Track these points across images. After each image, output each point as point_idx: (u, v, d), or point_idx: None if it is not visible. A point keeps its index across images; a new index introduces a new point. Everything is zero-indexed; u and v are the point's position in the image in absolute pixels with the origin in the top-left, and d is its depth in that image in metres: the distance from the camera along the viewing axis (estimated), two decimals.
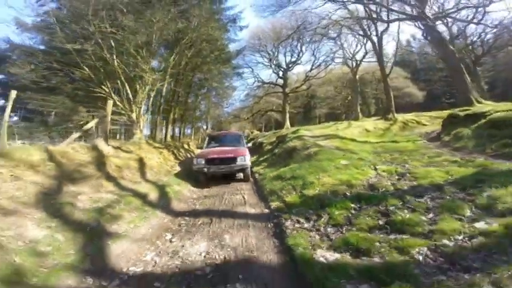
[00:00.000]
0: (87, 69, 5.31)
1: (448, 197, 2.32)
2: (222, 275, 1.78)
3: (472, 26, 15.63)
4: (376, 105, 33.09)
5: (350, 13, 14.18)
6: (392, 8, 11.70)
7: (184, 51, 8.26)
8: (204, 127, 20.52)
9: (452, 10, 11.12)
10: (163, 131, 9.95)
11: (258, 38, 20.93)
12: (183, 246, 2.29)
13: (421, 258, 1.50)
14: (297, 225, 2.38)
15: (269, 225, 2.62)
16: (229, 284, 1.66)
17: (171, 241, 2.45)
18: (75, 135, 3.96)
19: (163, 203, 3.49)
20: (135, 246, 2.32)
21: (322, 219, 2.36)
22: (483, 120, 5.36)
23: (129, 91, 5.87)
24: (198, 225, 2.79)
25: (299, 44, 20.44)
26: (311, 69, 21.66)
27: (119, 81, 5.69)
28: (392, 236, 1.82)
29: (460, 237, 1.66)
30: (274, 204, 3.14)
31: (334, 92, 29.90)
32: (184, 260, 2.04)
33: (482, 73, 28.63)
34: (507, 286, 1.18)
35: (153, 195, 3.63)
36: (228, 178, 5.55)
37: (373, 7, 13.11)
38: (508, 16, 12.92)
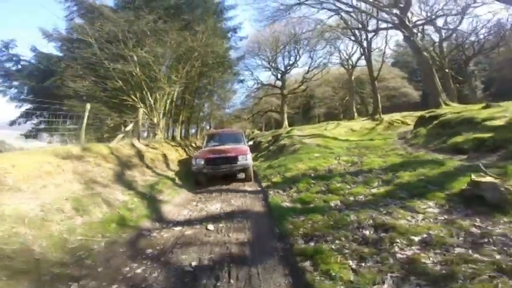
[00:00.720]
0: (120, 81, 6.71)
1: (371, 176, 3.68)
2: (230, 217, 3.17)
3: (463, 27, 16.80)
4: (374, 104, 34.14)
5: (343, 20, 15.45)
6: (377, 17, 12.95)
7: (193, 63, 9.64)
8: (208, 127, 21.90)
9: (431, 18, 12.36)
10: (175, 132, 11.37)
11: (257, 42, 22.20)
12: (205, 206, 3.70)
13: (333, 204, 2.87)
14: (276, 193, 3.77)
15: (259, 196, 4.02)
16: (234, 219, 3.05)
17: (197, 205, 3.85)
18: (120, 136, 5.38)
19: (186, 185, 4.91)
20: (175, 208, 3.73)
21: (292, 189, 3.74)
22: (435, 122, 6.69)
23: (151, 99, 7.29)
24: (213, 197, 4.20)
25: (296, 48, 21.69)
26: (308, 71, 22.87)
27: (144, 92, 7.10)
28: (325, 196, 3.19)
29: (360, 196, 3.01)
30: (265, 184, 4.53)
31: (332, 92, 30.94)
32: (208, 212, 3.44)
33: (478, 72, 29.56)
34: (377, 217, 2.50)
35: (178, 180, 5.05)
36: (228, 177, 5.47)
37: (362, 15, 14.37)
38: (493, 19, 14.09)
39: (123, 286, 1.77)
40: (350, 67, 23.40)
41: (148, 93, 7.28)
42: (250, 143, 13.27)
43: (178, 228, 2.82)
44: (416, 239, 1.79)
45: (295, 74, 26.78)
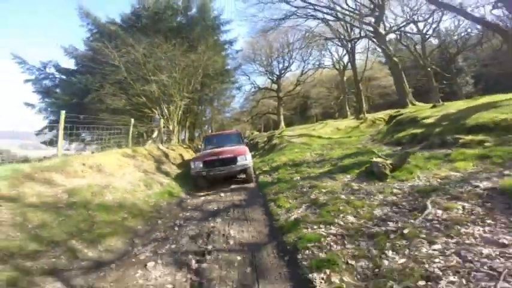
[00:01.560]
0: (144, 97, 8.60)
1: (326, 162, 5.48)
2: (233, 190, 4.97)
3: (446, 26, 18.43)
4: (367, 103, 35.77)
5: (329, 27, 17.24)
6: (356, 26, 14.72)
7: (197, 77, 11.51)
8: (210, 130, 23.78)
9: (402, 25, 14.13)
10: (183, 136, 13.25)
11: (253, 49, 24.04)
12: (216, 185, 5.53)
13: (294, 179, 4.68)
14: (264, 176, 5.60)
15: (253, 178, 5.84)
16: (236, 191, 4.85)
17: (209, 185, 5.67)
18: (149, 141, 7.22)
19: None
20: (197, 187, 5.55)
21: (275, 173, 5.56)
22: (394, 121, 8.45)
23: (166, 111, 9.14)
24: (221, 182, 6.01)
25: (289, 52, 23.50)
26: (302, 74, 24.66)
27: (161, 105, 8.98)
28: (292, 175, 5.00)
29: (312, 174, 4.81)
30: (258, 172, 6.35)
31: (326, 92, 32.62)
32: (218, 188, 5.26)
33: (468, 67, 31.06)
34: (313, 182, 4.31)
35: None
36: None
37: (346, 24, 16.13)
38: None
39: (181, 219, 3.59)
40: (342, 68, 25.04)
41: (164, 106, 9.15)
42: (250, 143, 14.95)
43: (202, 197, 4.66)
44: (324, 190, 3.60)
45: (291, 75, 28.58)
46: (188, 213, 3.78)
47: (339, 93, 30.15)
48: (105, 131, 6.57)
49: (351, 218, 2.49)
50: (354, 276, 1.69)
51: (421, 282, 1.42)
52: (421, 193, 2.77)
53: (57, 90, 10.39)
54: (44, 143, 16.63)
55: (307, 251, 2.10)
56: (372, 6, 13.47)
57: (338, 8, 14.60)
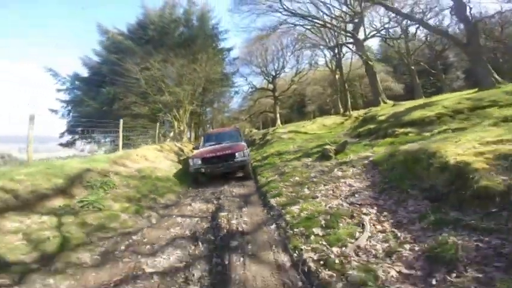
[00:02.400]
0: (160, 104, 10.79)
1: (301, 151, 7.65)
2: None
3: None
4: (362, 99, 37.69)
5: (316, 34, 19.27)
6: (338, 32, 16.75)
7: (200, 84, 13.66)
8: (211, 129, 25.97)
9: (380, 29, 16.15)
10: (188, 135, 15.46)
11: (249, 51, 26.02)
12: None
13: (275, 162, 6.87)
14: (256, 162, 7.80)
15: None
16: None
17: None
18: (168, 140, 9.39)
19: None
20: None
21: (264, 160, 7.76)
22: (362, 118, 10.59)
23: (177, 115, 11.30)
24: None
25: (283, 54, 25.51)
26: (296, 74, 26.70)
27: (173, 110, 11.15)
28: (275, 160, 7.19)
29: (289, 159, 6.99)
30: (252, 160, 8.54)
31: (321, 90, 34.61)
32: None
33: (458, 63, 32.75)
34: (286, 163, 6.49)
35: None
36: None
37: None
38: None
39: (202, 187, 5.78)
40: (333, 68, 27.01)
41: (175, 110, 11.34)
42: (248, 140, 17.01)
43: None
44: (290, 167, 5.79)
45: (286, 75, 30.56)
46: (205, 184, 5.99)
47: (332, 91, 32.17)
48: (130, 133, 8.76)
49: (297, 178, 4.68)
50: (288, 198, 3.86)
51: (311, 199, 3.59)
52: (341, 164, 4.93)
53: (85, 98, 12.54)
54: (61, 144, 18.95)
55: (270, 192, 4.28)
56: (352, 13, 15.45)
57: (323, 15, 16.61)
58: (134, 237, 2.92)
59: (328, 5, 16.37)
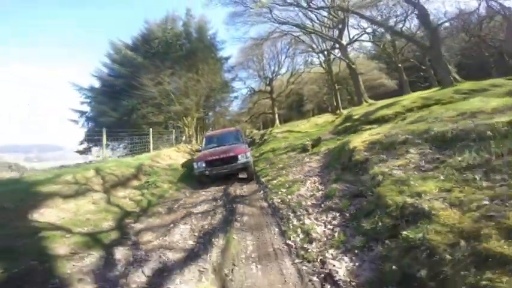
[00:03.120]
0: (172, 113, 12.97)
1: (290, 146, 9.76)
2: None
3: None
4: (358, 97, 39.17)
5: (304, 41, 21.30)
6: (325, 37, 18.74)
7: (204, 93, 15.85)
8: (212, 130, 28.21)
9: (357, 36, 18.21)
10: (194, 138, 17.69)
11: (246, 57, 28.08)
12: None
13: (269, 157, 9.00)
14: (254, 157, 9.94)
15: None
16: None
17: None
18: (181, 143, 11.56)
19: None
20: None
21: (261, 156, 9.90)
22: (344, 117, 12.63)
23: (186, 121, 13.47)
24: None
25: (279, 58, 27.52)
26: (291, 75, 28.68)
27: (183, 117, 13.34)
28: (269, 155, 9.32)
29: (279, 153, 9.11)
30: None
31: (318, 89, 36.50)
32: None
33: (450, 57, 34.05)
34: (277, 157, 8.60)
35: None
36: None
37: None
38: None
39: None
40: (327, 68, 28.92)
41: (184, 118, 13.55)
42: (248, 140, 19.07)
43: None
44: (278, 158, 7.91)
45: (284, 75, 32.54)
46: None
47: (327, 90, 34.03)
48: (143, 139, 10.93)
49: (280, 165, 6.80)
50: (272, 177, 5.97)
51: (285, 176, 5.70)
52: (312, 154, 7.02)
53: (107, 109, 14.77)
54: (78, 151, 21.26)
55: (262, 175, 6.40)
56: (335, 20, 17.42)
57: (311, 23, 18.61)
58: (180, 202, 5.08)
59: (315, 13, 18.37)
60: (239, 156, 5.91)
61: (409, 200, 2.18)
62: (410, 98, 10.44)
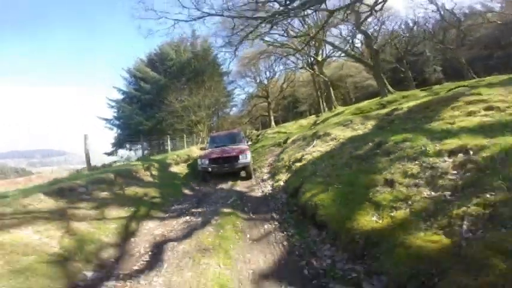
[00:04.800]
0: (190, 122, 18.30)
1: (275, 143, 15.04)
2: None
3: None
4: (348, 97, 43.72)
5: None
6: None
7: (213, 106, 21.23)
8: (216, 131, 33.66)
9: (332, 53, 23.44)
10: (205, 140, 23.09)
11: (244, 65, 33.27)
12: None
13: (259, 150, 14.30)
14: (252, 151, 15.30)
15: None
16: None
17: None
18: (198, 144, 16.82)
19: None
20: None
21: (255, 150, 15.23)
22: (316, 119, 17.77)
23: (200, 127, 18.75)
24: None
25: (272, 66, 32.64)
26: (284, 81, 33.75)
27: (197, 124, 18.67)
28: (260, 149, 14.63)
29: (266, 148, 14.41)
30: None
31: (310, 91, 41.42)
32: None
33: (434, 57, 37.91)
34: (268, 149, 13.86)
35: None
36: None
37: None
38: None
39: None
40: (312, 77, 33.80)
41: (199, 125, 18.90)
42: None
43: None
44: (265, 151, 13.22)
45: (279, 80, 37.59)
46: None
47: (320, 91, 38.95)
48: (173, 140, 16.30)
49: (262, 153, 12.08)
50: (266, 166, 11.22)
51: (264, 160, 10.98)
52: (280, 147, 12.27)
53: (142, 119, 20.14)
54: (106, 153, 26.77)
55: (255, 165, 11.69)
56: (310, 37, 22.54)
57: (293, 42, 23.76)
58: None
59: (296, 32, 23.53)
60: (240, 157, 6.85)
61: (297, 155, 7.39)
62: (350, 110, 15.64)
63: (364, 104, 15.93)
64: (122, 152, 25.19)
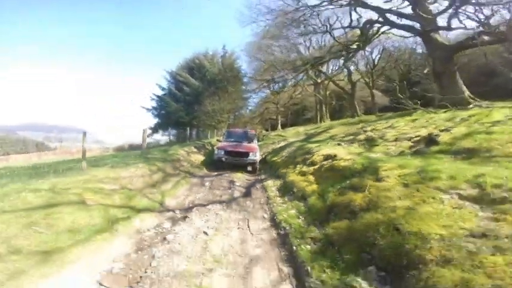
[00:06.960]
0: (217, 119, 26.37)
1: (272, 142, 22.82)
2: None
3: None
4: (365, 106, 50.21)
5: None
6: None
7: (233, 108, 29.27)
8: (233, 128, 41.65)
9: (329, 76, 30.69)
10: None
11: (257, 70, 40.81)
12: None
13: (262, 146, 22.21)
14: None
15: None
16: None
17: None
18: (220, 136, 24.81)
19: None
20: None
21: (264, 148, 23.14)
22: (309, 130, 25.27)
23: (223, 124, 26.66)
24: None
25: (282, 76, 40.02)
26: (294, 91, 41.10)
27: (222, 121, 26.65)
28: (263, 144, 22.52)
29: (268, 145, 22.25)
30: None
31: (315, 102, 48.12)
32: None
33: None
34: (269, 145, 21.70)
35: None
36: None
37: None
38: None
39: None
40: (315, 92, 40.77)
41: (222, 122, 26.94)
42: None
43: None
44: (264, 146, 21.12)
45: (289, 90, 44.82)
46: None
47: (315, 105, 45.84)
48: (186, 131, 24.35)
49: (264, 148, 19.95)
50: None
51: (264, 149, 18.85)
52: (276, 145, 20.03)
53: (182, 114, 28.28)
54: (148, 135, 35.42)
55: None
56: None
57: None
58: None
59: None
60: (250, 154, 8.58)
61: (275, 146, 15.11)
62: (325, 125, 23.02)
63: (338, 121, 23.42)
64: (156, 136, 34.15)
